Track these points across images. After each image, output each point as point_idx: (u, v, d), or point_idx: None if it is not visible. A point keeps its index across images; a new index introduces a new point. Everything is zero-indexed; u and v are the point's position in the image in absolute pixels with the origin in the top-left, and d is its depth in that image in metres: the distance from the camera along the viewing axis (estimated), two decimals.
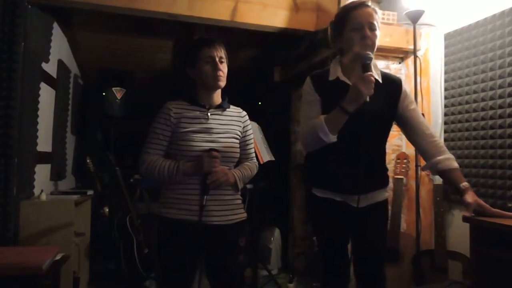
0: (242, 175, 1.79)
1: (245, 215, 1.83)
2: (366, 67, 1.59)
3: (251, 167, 1.88)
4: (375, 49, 1.68)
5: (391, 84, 1.78)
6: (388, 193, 1.87)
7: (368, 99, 1.57)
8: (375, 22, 1.67)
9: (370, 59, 1.60)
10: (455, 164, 1.71)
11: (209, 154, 1.65)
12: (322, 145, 1.66)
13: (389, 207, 2.13)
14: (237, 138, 1.82)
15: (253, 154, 1.94)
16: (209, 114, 1.77)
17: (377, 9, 1.71)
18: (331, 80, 1.75)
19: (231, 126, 1.81)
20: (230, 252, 1.76)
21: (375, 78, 1.61)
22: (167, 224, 1.70)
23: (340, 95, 1.62)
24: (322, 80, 1.77)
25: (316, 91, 1.74)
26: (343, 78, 1.73)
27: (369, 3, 1.70)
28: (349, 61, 1.73)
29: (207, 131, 1.74)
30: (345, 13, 1.71)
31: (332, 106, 1.63)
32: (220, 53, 1.76)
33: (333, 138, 1.62)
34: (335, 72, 1.75)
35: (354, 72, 1.69)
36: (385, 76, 1.80)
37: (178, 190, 1.71)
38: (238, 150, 1.81)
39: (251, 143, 1.92)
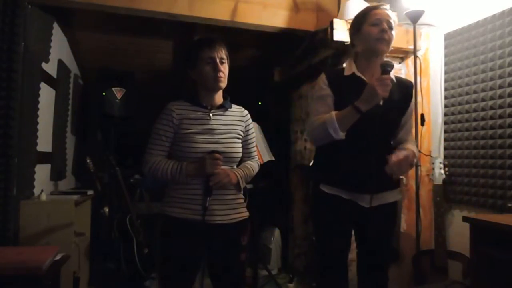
0: (245, 174, 1.80)
1: (247, 214, 1.84)
2: (386, 73, 1.62)
3: (253, 166, 1.88)
4: (389, 48, 1.76)
5: (405, 89, 1.84)
6: (400, 195, 1.86)
7: (381, 102, 1.62)
8: (392, 22, 1.76)
9: (392, 66, 1.63)
10: (410, 146, 1.76)
11: (211, 156, 1.66)
12: (330, 141, 1.68)
13: None
14: (239, 138, 1.82)
15: (255, 153, 1.95)
16: (211, 115, 1.77)
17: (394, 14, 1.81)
18: (346, 75, 1.79)
19: (233, 126, 1.81)
20: (232, 250, 1.77)
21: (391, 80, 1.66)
22: (171, 222, 1.72)
23: (355, 90, 1.64)
24: (337, 75, 1.81)
25: (329, 86, 1.76)
26: (358, 73, 1.76)
27: (388, 7, 1.80)
28: (362, 50, 1.78)
29: (210, 132, 1.74)
30: (365, 12, 1.80)
31: (347, 100, 1.65)
32: (221, 54, 1.75)
33: (342, 135, 1.64)
34: (350, 68, 1.80)
35: (369, 69, 1.75)
36: (399, 80, 1.85)
37: (182, 189, 1.72)
38: (240, 150, 1.82)
39: (253, 142, 1.93)
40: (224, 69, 1.76)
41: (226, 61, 1.78)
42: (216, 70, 1.73)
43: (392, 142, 1.86)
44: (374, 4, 1.85)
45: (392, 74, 1.73)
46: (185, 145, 1.71)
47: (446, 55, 2.88)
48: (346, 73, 1.79)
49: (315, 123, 1.72)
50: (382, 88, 1.56)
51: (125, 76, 4.06)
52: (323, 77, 1.80)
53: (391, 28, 1.74)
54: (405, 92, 1.83)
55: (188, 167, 1.68)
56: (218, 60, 1.73)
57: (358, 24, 1.80)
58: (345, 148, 1.70)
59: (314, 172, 1.90)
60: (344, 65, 1.87)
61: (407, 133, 1.86)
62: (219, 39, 1.80)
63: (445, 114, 2.86)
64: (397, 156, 1.61)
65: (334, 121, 1.63)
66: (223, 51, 1.77)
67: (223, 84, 1.77)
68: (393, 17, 1.78)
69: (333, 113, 1.66)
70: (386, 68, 1.62)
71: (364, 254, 1.83)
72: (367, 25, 1.75)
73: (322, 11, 3.15)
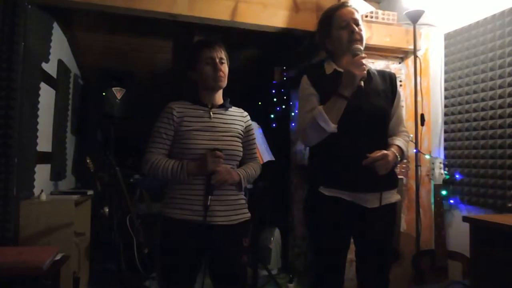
0: (247, 174, 1.80)
1: (248, 215, 1.83)
2: (356, 56, 1.67)
3: (255, 167, 1.88)
4: (364, 44, 1.76)
5: (388, 78, 1.85)
6: (399, 196, 1.83)
7: (362, 84, 1.63)
8: (358, 18, 1.77)
9: (361, 50, 1.69)
10: (397, 142, 1.75)
11: (212, 154, 1.66)
12: (323, 137, 1.67)
13: None
14: (239, 137, 1.82)
15: (256, 154, 1.95)
16: (211, 113, 1.78)
17: (357, 9, 1.81)
18: (328, 74, 1.80)
19: (233, 125, 1.82)
20: (233, 252, 1.75)
21: (372, 75, 1.72)
22: (171, 224, 1.70)
23: (339, 85, 1.66)
24: (319, 75, 1.82)
25: (312, 86, 1.77)
26: (340, 69, 1.77)
27: (349, 3, 1.81)
28: (337, 51, 1.80)
29: (210, 129, 1.74)
30: (329, 15, 1.81)
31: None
32: (221, 54, 1.78)
33: (333, 127, 1.64)
34: (331, 66, 1.82)
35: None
36: (380, 71, 1.88)
37: (182, 190, 1.71)
38: (240, 148, 1.82)
39: (254, 143, 1.93)
40: (224, 69, 1.79)
41: (225, 61, 1.80)
42: (216, 69, 1.75)
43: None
44: (344, 2, 1.85)
45: (371, 68, 1.80)
46: (186, 142, 1.71)
47: (446, 55, 2.88)
48: (328, 72, 1.81)
49: (304, 121, 1.71)
50: (357, 68, 1.61)
51: (125, 76, 4.06)
52: (305, 79, 1.80)
53: (358, 24, 1.76)
54: (388, 81, 1.84)
55: (189, 165, 1.67)
56: (217, 60, 1.76)
57: (326, 29, 1.81)
58: (341, 146, 1.69)
59: (310, 175, 1.85)
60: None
61: (398, 124, 1.84)
62: (218, 40, 1.82)
63: (445, 114, 2.87)
64: (374, 154, 1.62)
65: (322, 113, 1.63)
66: (223, 52, 1.80)
67: (223, 83, 1.80)
68: (359, 10, 1.80)
69: (320, 107, 1.67)
70: (356, 52, 1.68)
71: (365, 257, 1.80)
72: (336, 29, 1.77)
73: (322, 11, 3.12)
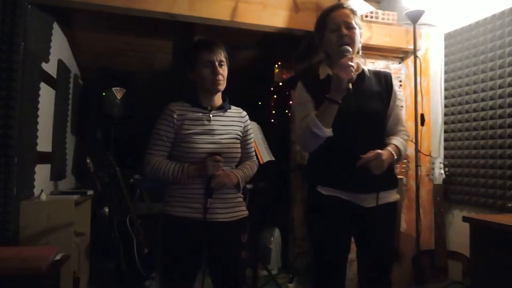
0: (244, 174, 1.83)
1: (246, 212, 1.86)
2: (344, 57, 1.65)
3: (251, 166, 1.91)
4: (357, 47, 1.74)
5: (383, 79, 1.84)
6: (398, 196, 1.83)
7: (350, 86, 1.61)
8: (352, 21, 1.73)
9: (348, 51, 1.66)
10: (394, 142, 1.74)
11: (212, 158, 1.68)
12: (320, 142, 1.67)
13: None
14: (238, 138, 1.84)
15: (253, 153, 1.98)
16: (211, 116, 1.79)
17: (355, 10, 1.78)
18: (322, 79, 1.79)
19: (232, 127, 1.83)
20: (232, 248, 1.78)
21: (366, 77, 1.72)
22: (172, 221, 1.73)
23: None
24: (313, 81, 1.82)
25: (308, 92, 1.77)
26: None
27: (346, 5, 1.79)
28: (330, 53, 1.79)
29: (210, 132, 1.75)
30: (324, 17, 1.80)
31: None
32: (220, 57, 1.77)
33: (327, 131, 1.63)
34: (325, 71, 1.81)
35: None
36: (376, 72, 1.86)
37: (183, 189, 1.74)
38: (239, 150, 1.83)
39: (251, 143, 1.95)
40: (223, 71, 1.78)
41: (225, 63, 1.80)
42: (215, 73, 1.75)
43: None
44: (345, 4, 1.84)
45: (368, 70, 1.80)
46: (186, 145, 1.73)
47: (446, 55, 2.88)
48: (322, 76, 1.80)
49: (300, 128, 1.72)
50: (343, 71, 1.59)
51: (125, 76, 4.07)
52: (300, 85, 1.80)
53: (350, 27, 1.72)
54: (384, 82, 1.83)
55: (189, 168, 1.70)
56: (217, 63, 1.75)
57: (320, 32, 1.80)
58: (337, 147, 1.69)
59: (309, 174, 1.87)
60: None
61: (396, 123, 1.83)
62: (218, 42, 1.81)
63: (445, 114, 2.87)
64: (368, 154, 1.61)
65: (315, 119, 1.63)
66: (222, 54, 1.78)
67: (222, 87, 1.79)
68: (355, 16, 1.76)
69: (313, 113, 1.67)
70: (343, 53, 1.65)
71: (365, 258, 1.80)
72: (328, 32, 1.75)
73: (322, 11, 3.15)
